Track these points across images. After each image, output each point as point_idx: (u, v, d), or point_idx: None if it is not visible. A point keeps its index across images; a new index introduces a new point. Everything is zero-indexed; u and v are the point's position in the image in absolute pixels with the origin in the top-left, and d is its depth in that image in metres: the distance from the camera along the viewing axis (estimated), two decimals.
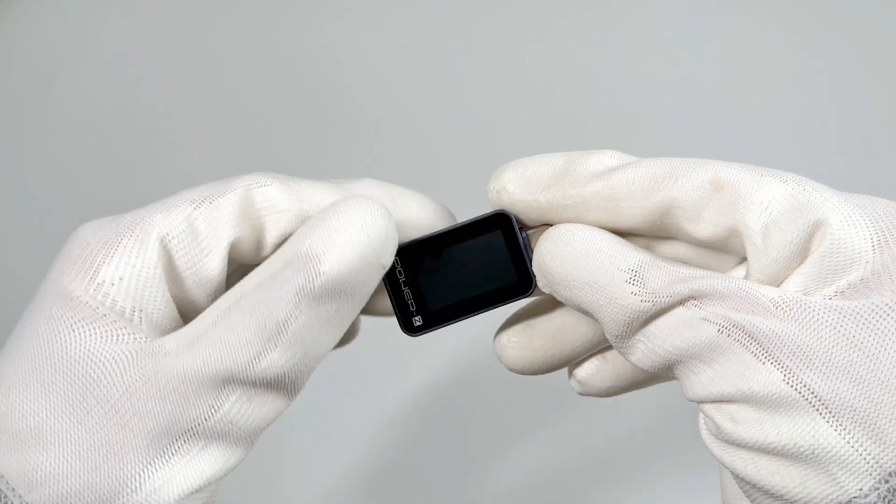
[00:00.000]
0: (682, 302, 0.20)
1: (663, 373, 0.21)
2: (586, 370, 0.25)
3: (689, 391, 0.20)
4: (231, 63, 0.61)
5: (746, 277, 0.21)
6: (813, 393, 0.18)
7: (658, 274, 0.20)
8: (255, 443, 0.21)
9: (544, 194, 0.22)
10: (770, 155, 0.53)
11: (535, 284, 0.23)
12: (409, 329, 0.24)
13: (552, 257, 0.21)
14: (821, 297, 0.19)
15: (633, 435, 0.49)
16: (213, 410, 0.20)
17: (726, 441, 0.20)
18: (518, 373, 0.25)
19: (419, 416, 0.52)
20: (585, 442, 0.49)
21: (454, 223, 0.24)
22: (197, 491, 0.20)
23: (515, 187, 0.22)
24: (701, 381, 0.20)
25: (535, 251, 0.22)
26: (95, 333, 0.20)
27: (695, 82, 0.55)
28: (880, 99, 0.52)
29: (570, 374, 0.26)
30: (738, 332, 0.19)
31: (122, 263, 0.20)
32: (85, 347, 0.20)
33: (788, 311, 0.19)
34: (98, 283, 0.20)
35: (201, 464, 0.20)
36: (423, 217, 0.24)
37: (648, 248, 0.23)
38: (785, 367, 0.18)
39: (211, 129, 0.60)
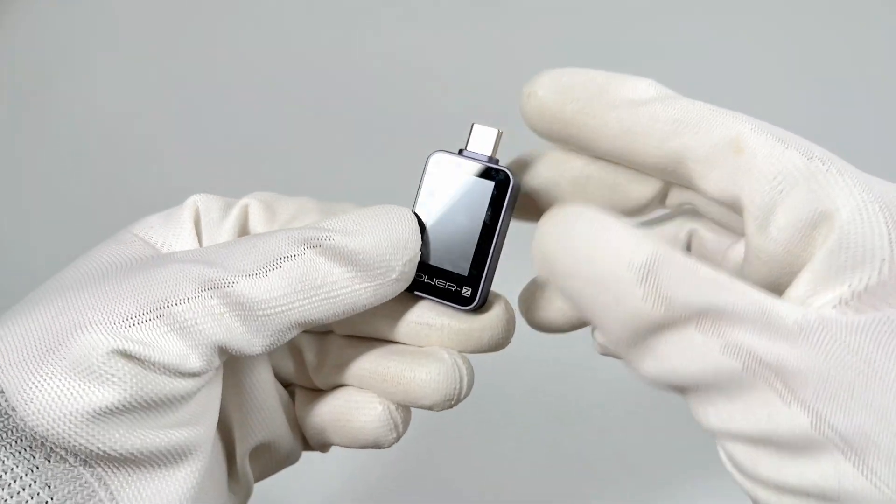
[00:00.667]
0: (696, 319, 0.17)
1: (673, 392, 0.19)
2: None
3: (703, 421, 0.19)
4: (229, 65, 0.61)
5: (745, 252, 0.19)
6: (839, 434, 0.17)
7: (672, 273, 0.17)
8: (208, 368, 0.21)
9: (571, 106, 0.21)
10: None
11: (509, 171, 0.23)
12: (468, 303, 0.23)
13: (554, 245, 0.19)
14: (837, 299, 0.18)
15: (640, 446, 0.49)
16: (185, 299, 0.20)
17: (746, 476, 0.19)
18: (543, 330, 0.25)
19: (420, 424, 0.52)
20: (582, 454, 0.49)
21: (414, 200, 0.24)
22: (137, 359, 0.19)
23: (546, 92, 0.22)
24: (719, 413, 0.18)
25: (535, 235, 0.20)
26: (124, 247, 0.23)
27: (694, 83, 0.55)
28: (881, 100, 0.52)
29: (594, 330, 0.24)
30: (763, 369, 0.17)
31: (165, 215, 0.24)
32: (111, 251, 0.23)
33: (811, 336, 0.17)
34: (145, 227, 0.24)
35: (154, 342, 0.20)
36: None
37: (665, 193, 0.22)
38: (811, 408, 0.17)
39: (210, 128, 0.60)
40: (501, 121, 0.56)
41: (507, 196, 0.23)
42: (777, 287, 0.19)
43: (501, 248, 0.24)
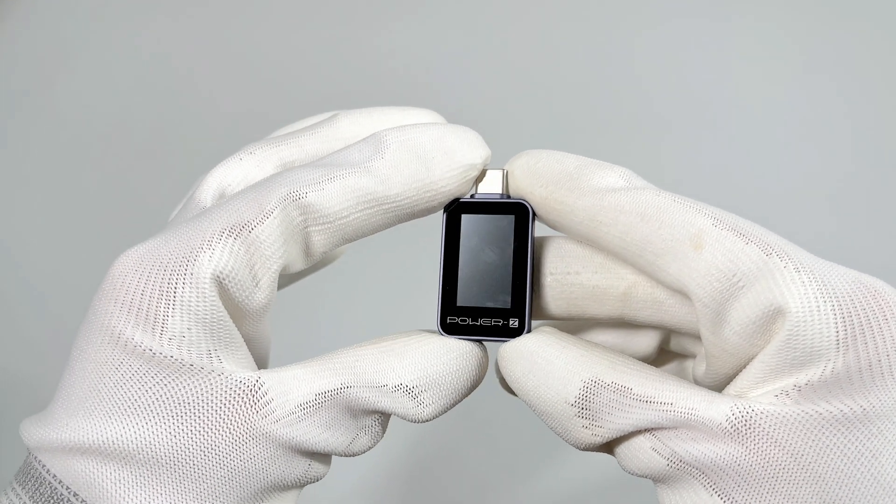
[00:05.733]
0: (630, 434, 0.20)
1: None
2: None
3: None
4: (231, 62, 0.61)
5: (704, 346, 0.20)
6: None
7: (603, 399, 0.20)
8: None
9: (540, 191, 0.22)
10: (773, 156, 0.53)
11: (524, 202, 0.23)
12: (518, 333, 0.24)
13: (509, 379, 0.22)
14: (779, 389, 0.19)
15: None
16: (308, 469, 0.21)
17: None
18: None
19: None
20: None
21: (439, 258, 0.24)
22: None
23: (521, 174, 0.22)
24: (665, 500, 0.21)
25: (498, 365, 0.22)
26: (191, 384, 0.20)
27: (699, 83, 0.55)
28: (884, 99, 0.53)
29: None
30: (686, 466, 0.19)
31: (187, 315, 0.20)
32: (184, 397, 0.20)
33: (735, 434, 0.19)
34: (170, 338, 0.19)
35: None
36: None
37: (667, 340, 0.24)
38: (731, 499, 0.19)
39: (211, 127, 0.60)
40: (501, 122, 0.56)
41: (529, 224, 0.23)
42: (739, 371, 0.21)
43: (533, 272, 0.24)
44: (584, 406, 0.20)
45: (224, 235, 0.20)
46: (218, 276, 0.20)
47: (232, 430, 0.20)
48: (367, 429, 0.22)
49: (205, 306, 0.19)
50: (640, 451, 0.20)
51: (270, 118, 0.60)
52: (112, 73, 0.62)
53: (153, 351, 0.19)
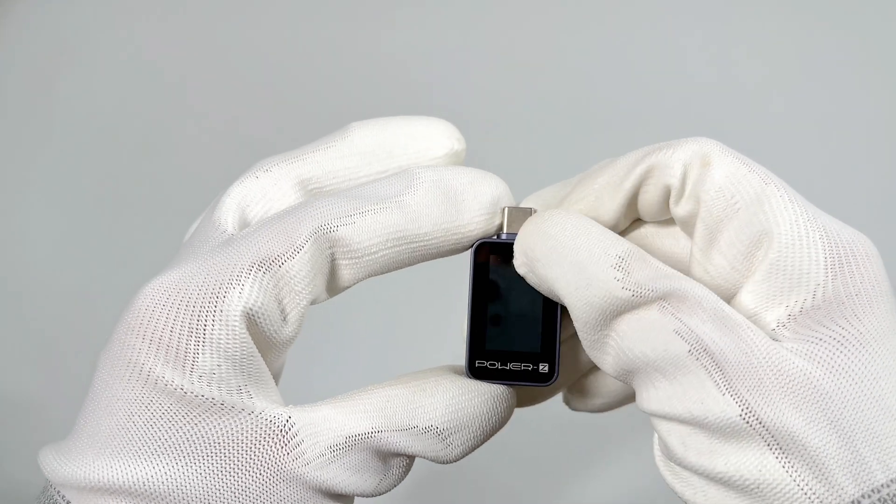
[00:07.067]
0: (659, 300, 0.19)
1: (623, 378, 0.21)
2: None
3: (644, 402, 0.20)
4: (234, 63, 0.61)
5: (692, 270, 0.21)
6: (766, 428, 0.18)
7: (643, 266, 0.20)
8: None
9: (562, 204, 0.23)
10: (774, 155, 0.53)
11: None
12: (548, 379, 0.23)
13: (538, 234, 0.21)
14: (775, 321, 0.19)
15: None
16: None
17: (675, 462, 0.20)
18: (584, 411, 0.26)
19: None
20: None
21: (468, 301, 0.24)
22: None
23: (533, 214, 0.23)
24: (658, 395, 0.20)
25: (521, 231, 0.22)
26: (223, 423, 0.20)
27: (699, 83, 0.55)
28: (883, 100, 0.52)
29: (564, 395, 0.26)
30: (706, 358, 0.19)
31: (217, 353, 0.20)
32: (215, 437, 0.20)
33: (756, 342, 0.19)
34: (200, 376, 0.19)
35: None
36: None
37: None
38: (743, 400, 0.18)
39: (214, 128, 0.60)
40: (507, 123, 0.56)
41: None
42: None
43: (562, 316, 0.23)
44: (623, 258, 0.20)
45: (253, 270, 0.20)
46: (248, 313, 0.20)
47: (263, 472, 0.20)
48: (393, 469, 0.22)
49: (234, 343, 0.19)
50: (659, 331, 0.19)
51: (272, 120, 0.60)
52: (112, 76, 0.62)
53: (184, 389, 0.19)
